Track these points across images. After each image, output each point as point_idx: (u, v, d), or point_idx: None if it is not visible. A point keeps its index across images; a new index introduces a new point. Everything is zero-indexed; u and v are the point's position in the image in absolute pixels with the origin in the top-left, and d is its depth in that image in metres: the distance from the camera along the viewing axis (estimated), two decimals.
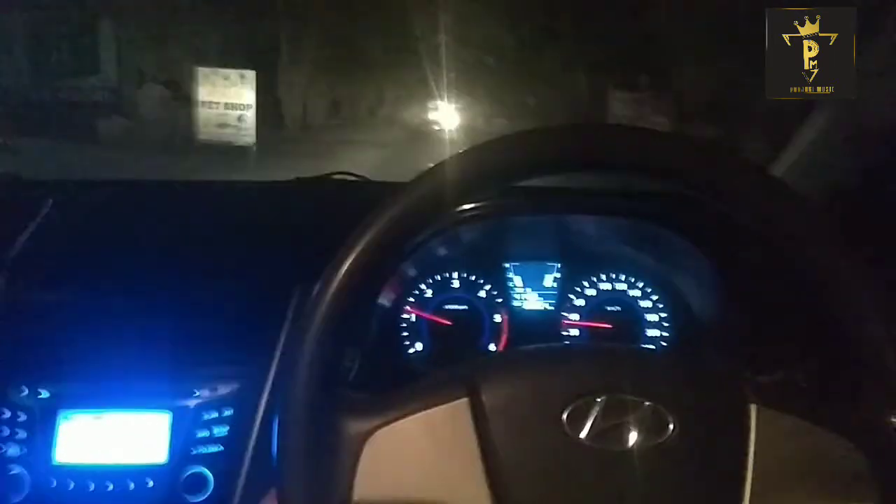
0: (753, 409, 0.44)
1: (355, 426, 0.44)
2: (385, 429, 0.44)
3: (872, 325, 0.44)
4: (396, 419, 0.44)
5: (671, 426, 0.43)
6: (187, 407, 0.69)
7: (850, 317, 0.45)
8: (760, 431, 0.44)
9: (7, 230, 0.78)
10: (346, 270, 0.43)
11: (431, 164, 0.46)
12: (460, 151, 0.45)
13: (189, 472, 0.67)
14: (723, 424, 0.44)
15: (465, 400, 0.44)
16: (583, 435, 0.43)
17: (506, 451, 0.43)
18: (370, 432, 0.43)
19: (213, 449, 0.68)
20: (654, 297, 0.93)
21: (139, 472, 0.67)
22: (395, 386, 0.47)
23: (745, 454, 0.43)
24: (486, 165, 0.45)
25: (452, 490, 0.43)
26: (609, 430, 0.43)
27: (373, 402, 0.46)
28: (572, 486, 0.43)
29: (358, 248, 0.43)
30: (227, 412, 0.69)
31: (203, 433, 0.68)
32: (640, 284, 0.93)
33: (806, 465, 0.44)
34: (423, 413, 0.44)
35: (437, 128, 1.09)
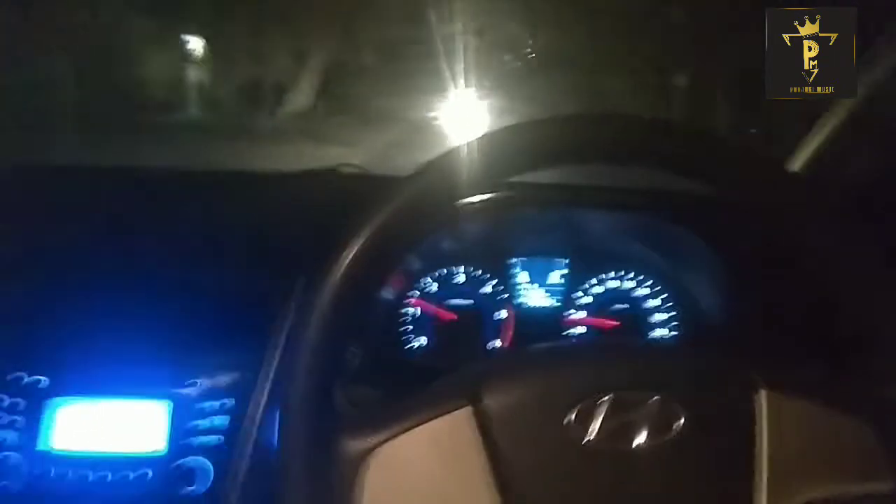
0: (763, 394, 0.43)
1: (355, 445, 0.42)
2: (386, 445, 0.42)
3: (876, 299, 0.44)
4: (397, 434, 0.42)
5: (681, 419, 0.42)
6: (188, 396, 0.68)
7: (853, 292, 0.44)
8: (772, 417, 0.43)
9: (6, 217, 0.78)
10: (345, 265, 0.42)
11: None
12: (469, 140, 0.44)
13: (189, 463, 0.66)
14: (733, 413, 0.43)
15: (467, 408, 0.43)
16: (591, 437, 0.42)
17: (513, 458, 0.42)
18: (371, 451, 0.42)
19: (214, 439, 0.67)
20: (663, 296, 0.91)
21: (138, 462, 0.66)
22: (397, 382, 0.46)
23: (758, 441, 0.43)
24: (497, 155, 0.44)
25: (462, 503, 0.42)
26: (618, 430, 0.42)
27: (372, 416, 0.44)
28: (584, 490, 0.42)
29: (357, 242, 0.42)
30: (229, 402, 0.68)
31: (203, 423, 0.67)
32: (649, 282, 0.92)
33: (820, 448, 0.43)
34: (425, 426, 0.43)
35: (447, 119, 1.06)
